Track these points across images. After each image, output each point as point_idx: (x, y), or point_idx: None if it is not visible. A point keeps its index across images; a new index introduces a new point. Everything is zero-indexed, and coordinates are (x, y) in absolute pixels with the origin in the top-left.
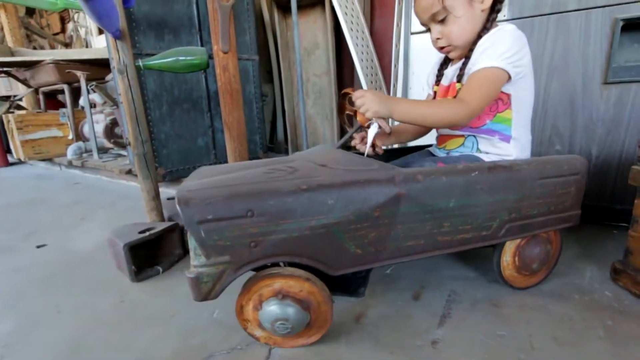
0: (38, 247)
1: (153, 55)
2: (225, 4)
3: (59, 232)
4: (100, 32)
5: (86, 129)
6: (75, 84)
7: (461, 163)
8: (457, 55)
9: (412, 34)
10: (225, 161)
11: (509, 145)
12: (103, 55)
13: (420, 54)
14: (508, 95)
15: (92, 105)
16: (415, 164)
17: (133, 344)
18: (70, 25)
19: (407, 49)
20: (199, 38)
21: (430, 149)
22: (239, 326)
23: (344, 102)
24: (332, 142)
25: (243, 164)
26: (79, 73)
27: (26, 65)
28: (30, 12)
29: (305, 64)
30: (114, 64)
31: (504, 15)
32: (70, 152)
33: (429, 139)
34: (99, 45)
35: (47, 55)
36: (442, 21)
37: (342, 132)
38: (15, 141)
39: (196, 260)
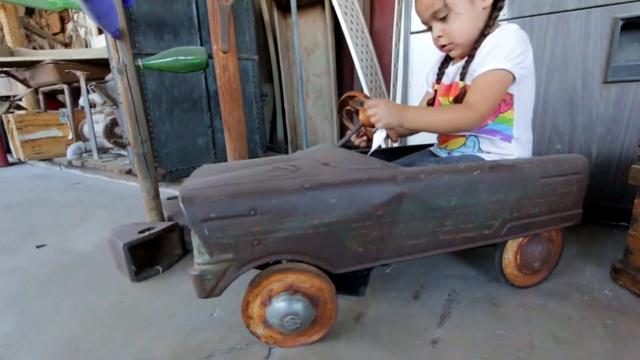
0: (38, 247)
1: (152, 55)
2: (225, 4)
3: (58, 232)
4: (100, 32)
5: (86, 129)
6: (75, 84)
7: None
8: (459, 53)
9: (411, 33)
10: (225, 161)
11: (511, 145)
12: (103, 55)
13: (420, 54)
14: (511, 96)
15: (92, 105)
16: (418, 164)
17: (132, 343)
18: (69, 25)
19: (407, 49)
20: (198, 38)
21: (431, 148)
22: (239, 326)
23: (348, 100)
24: (332, 141)
25: (246, 162)
26: (78, 73)
27: (26, 65)
28: (29, 12)
29: (305, 64)
30: (113, 63)
31: (504, 15)
32: (70, 152)
33: (430, 137)
34: (99, 45)
35: (47, 55)
36: (444, 19)
37: (342, 131)
38: (15, 141)
39: (199, 257)
